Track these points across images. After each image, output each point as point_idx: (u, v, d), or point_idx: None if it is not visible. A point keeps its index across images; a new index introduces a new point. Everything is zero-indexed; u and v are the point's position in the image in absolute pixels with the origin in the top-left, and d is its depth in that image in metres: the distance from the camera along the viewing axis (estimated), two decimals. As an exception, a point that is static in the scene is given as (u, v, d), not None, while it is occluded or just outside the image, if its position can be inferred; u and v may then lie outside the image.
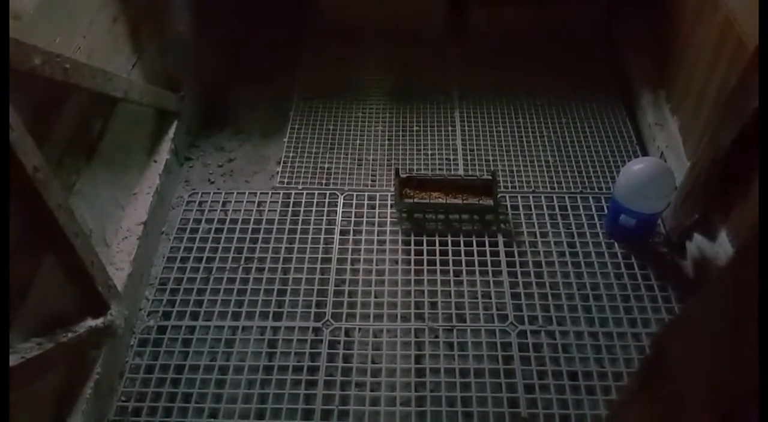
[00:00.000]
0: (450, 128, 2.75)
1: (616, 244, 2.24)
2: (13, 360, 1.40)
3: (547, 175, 2.52)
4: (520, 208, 2.38)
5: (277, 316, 2.03)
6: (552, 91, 2.90)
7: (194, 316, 2.03)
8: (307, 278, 2.14)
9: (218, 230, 2.30)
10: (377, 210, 2.38)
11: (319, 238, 2.27)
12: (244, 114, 2.83)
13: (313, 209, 2.38)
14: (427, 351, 1.94)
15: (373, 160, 2.61)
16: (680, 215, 2.15)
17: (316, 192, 2.44)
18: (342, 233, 2.30)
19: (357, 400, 1.82)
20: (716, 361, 0.60)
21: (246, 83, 2.98)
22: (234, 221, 2.33)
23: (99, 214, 1.93)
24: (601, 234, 2.28)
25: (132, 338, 1.97)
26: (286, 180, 2.51)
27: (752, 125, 1.72)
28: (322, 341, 1.96)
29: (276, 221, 2.33)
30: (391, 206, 2.38)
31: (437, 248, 2.23)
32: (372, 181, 2.51)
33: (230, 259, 2.20)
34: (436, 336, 1.98)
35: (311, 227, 2.31)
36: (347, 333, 2.00)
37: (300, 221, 2.33)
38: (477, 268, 2.16)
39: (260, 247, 2.24)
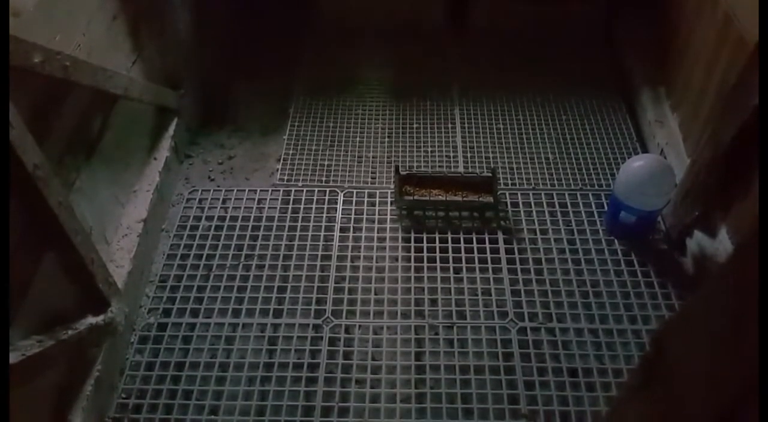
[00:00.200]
0: (450, 126, 2.75)
1: (616, 241, 2.24)
2: (14, 358, 1.40)
3: (547, 172, 2.52)
4: (520, 205, 2.38)
5: (278, 313, 2.04)
6: (552, 89, 2.90)
7: (194, 313, 2.03)
8: (307, 276, 2.14)
9: (218, 228, 2.30)
10: (377, 207, 2.38)
11: (319, 235, 2.28)
12: (244, 111, 2.83)
13: (313, 206, 2.38)
14: (427, 348, 1.94)
15: (373, 157, 2.60)
16: (680, 212, 2.15)
17: (316, 189, 2.44)
18: (342, 230, 2.30)
19: (357, 397, 1.82)
20: (716, 358, 0.60)
21: (246, 81, 2.98)
22: (234, 219, 2.33)
23: (99, 211, 1.93)
24: (601, 231, 2.28)
25: (132, 335, 1.97)
26: (286, 177, 2.51)
27: (752, 122, 1.72)
28: (322, 338, 1.96)
29: (276, 218, 2.33)
30: (391, 203, 2.38)
31: (437, 245, 2.23)
32: (372, 178, 2.51)
33: (230, 256, 2.20)
34: (436, 333, 1.98)
35: (311, 224, 2.32)
36: (347, 330, 2.00)
37: (300, 219, 2.33)
38: (477, 265, 2.17)
39: (260, 244, 2.24)
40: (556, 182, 2.49)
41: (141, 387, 1.85)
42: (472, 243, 2.23)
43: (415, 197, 2.33)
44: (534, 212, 2.35)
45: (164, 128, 2.42)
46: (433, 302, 2.07)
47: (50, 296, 1.59)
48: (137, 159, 2.26)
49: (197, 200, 2.41)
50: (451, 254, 2.20)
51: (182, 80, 2.48)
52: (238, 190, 2.44)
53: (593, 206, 2.37)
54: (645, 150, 2.60)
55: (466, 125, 2.74)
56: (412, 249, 2.23)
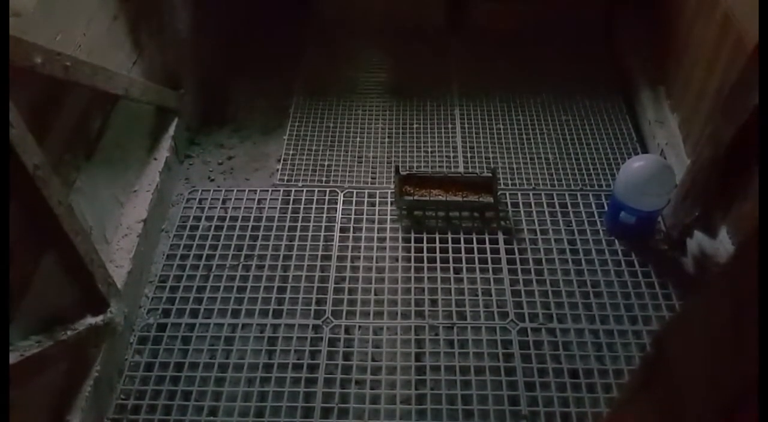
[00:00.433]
0: (450, 126, 2.75)
1: (616, 241, 2.24)
2: (13, 358, 1.40)
3: (547, 172, 2.52)
4: (521, 205, 2.38)
5: (277, 314, 2.03)
6: (552, 89, 2.90)
7: (194, 314, 2.03)
8: (307, 276, 2.14)
9: (218, 228, 2.30)
10: (377, 207, 2.38)
11: (319, 235, 2.27)
12: (244, 112, 2.83)
13: (313, 206, 2.38)
14: (427, 349, 1.94)
15: (373, 157, 2.60)
16: (680, 213, 2.15)
17: (316, 189, 2.44)
18: (342, 230, 2.30)
19: (357, 398, 1.82)
20: (717, 359, 0.60)
21: (246, 81, 2.97)
22: (234, 219, 2.33)
23: (99, 211, 1.92)
24: (601, 231, 2.27)
25: (131, 335, 1.97)
26: (286, 178, 2.50)
27: (752, 122, 1.71)
28: (322, 338, 1.96)
29: (276, 218, 2.33)
30: (391, 203, 2.38)
31: (437, 245, 2.23)
32: (372, 178, 2.51)
33: (230, 256, 2.20)
34: (437, 334, 1.98)
35: (311, 224, 2.31)
36: (347, 330, 2.00)
37: (300, 219, 2.33)
38: (477, 265, 2.16)
39: (260, 245, 2.24)
40: (556, 182, 2.48)
41: (140, 387, 1.84)
42: (472, 243, 2.23)
43: (415, 198, 2.33)
44: (534, 213, 2.35)
45: (164, 128, 2.42)
46: (434, 302, 2.06)
47: (50, 297, 1.59)
48: (137, 159, 2.26)
49: (197, 200, 2.40)
50: (451, 255, 2.20)
51: (182, 80, 2.48)
52: (238, 190, 2.44)
53: (593, 206, 2.37)
54: (645, 150, 2.60)
55: (466, 125, 2.74)
56: (412, 249, 2.22)
